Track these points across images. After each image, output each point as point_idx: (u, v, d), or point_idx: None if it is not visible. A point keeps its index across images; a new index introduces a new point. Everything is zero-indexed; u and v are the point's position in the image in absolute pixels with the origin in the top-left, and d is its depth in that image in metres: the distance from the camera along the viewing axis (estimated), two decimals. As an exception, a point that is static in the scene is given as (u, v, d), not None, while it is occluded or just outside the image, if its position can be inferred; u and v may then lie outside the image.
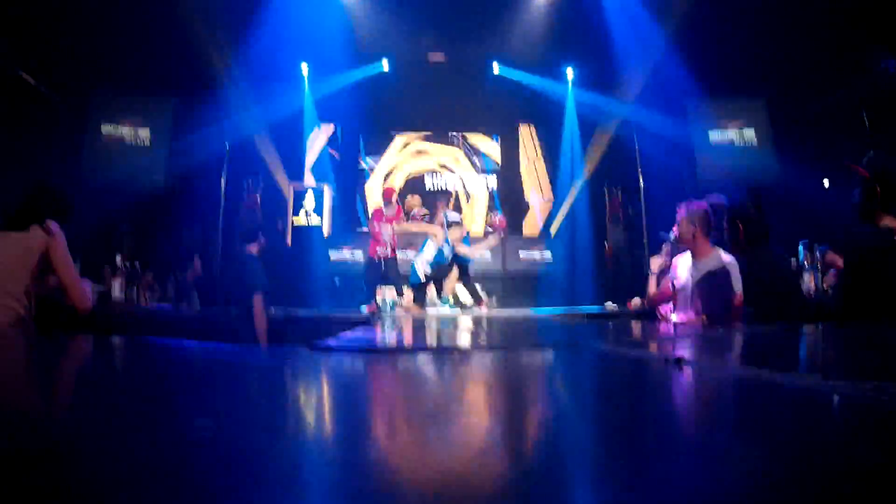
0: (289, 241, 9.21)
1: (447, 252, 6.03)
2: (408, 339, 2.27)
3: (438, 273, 6.05)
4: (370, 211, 6.59)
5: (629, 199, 9.29)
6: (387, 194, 6.68)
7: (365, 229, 8.63)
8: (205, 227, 7.32)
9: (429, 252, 6.03)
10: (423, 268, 5.97)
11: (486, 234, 6.59)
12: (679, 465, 0.49)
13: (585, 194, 9.85)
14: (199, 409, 0.75)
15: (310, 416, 0.75)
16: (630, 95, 8.92)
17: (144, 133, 8.34)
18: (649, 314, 4.22)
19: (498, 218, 7.34)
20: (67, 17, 6.48)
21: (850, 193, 2.51)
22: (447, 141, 10.50)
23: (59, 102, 7.02)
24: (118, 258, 4.60)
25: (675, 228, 3.32)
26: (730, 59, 7.92)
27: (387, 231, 6.31)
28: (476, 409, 0.83)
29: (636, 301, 4.96)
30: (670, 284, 3.55)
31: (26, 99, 6.48)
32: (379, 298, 5.82)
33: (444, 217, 6.22)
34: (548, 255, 9.46)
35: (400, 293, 6.00)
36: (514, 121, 10.45)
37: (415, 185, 10.15)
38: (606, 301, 6.36)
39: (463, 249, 6.17)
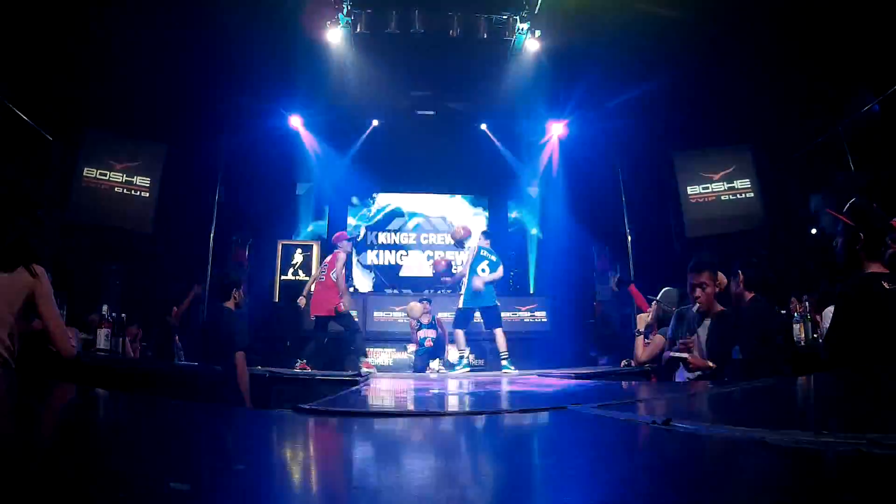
0: (276, 297, 9.15)
1: None
2: (392, 402, 2.24)
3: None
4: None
5: (616, 255, 9.33)
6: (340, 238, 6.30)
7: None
8: (192, 278, 7.25)
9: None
10: None
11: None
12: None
13: (574, 250, 9.89)
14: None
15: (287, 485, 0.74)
16: (617, 148, 9.05)
17: (135, 177, 8.15)
18: (640, 373, 4.27)
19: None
20: (66, 56, 6.45)
21: (834, 242, 2.44)
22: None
23: (52, 141, 6.92)
24: (104, 308, 4.51)
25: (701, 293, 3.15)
26: (713, 109, 8.02)
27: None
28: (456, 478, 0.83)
29: (625, 363, 5.09)
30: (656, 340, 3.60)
31: (18, 135, 6.34)
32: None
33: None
34: (541, 314, 9.33)
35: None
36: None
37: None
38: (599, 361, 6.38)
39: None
